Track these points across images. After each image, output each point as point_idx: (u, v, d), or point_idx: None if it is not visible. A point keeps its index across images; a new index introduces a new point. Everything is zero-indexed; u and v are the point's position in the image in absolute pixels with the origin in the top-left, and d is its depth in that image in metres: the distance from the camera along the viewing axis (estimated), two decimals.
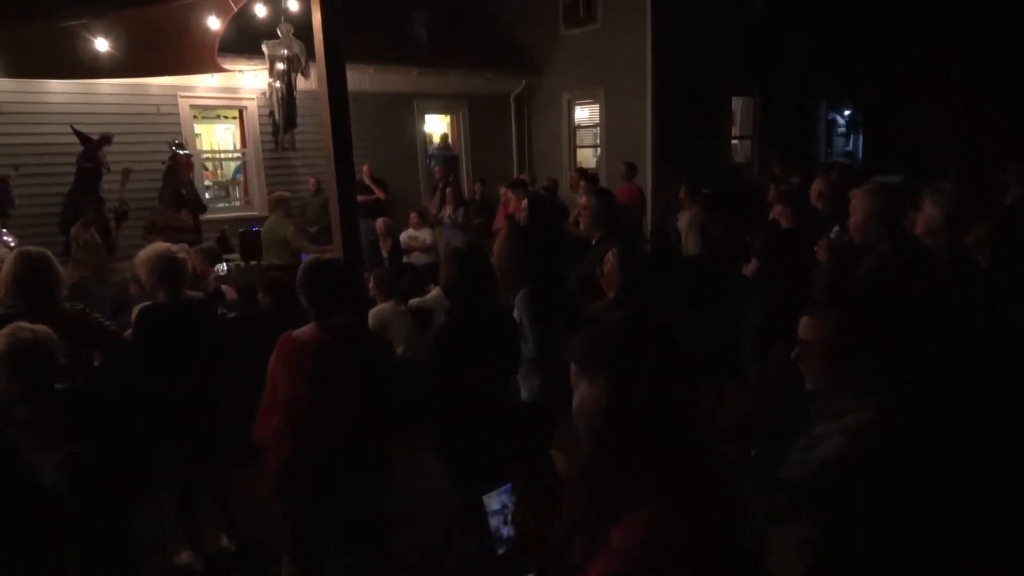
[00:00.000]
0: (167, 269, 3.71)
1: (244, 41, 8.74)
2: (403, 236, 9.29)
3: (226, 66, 9.09)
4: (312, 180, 10.33)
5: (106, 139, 8.18)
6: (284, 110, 9.21)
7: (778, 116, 13.59)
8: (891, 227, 3.51)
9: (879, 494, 1.71)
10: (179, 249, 3.97)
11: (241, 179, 11.43)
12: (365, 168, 10.31)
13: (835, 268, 3.85)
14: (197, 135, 10.78)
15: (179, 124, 9.76)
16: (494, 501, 1.91)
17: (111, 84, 8.83)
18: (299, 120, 9.44)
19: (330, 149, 5.08)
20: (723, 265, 7.77)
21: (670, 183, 10.14)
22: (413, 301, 5.71)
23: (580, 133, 13.74)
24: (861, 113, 17.30)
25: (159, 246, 3.84)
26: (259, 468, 3.07)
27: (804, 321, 1.96)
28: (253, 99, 10.49)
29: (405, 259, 8.93)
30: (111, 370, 3.96)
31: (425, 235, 9.31)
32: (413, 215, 9.53)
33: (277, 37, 8.51)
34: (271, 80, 9.02)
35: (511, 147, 13.74)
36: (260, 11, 7.53)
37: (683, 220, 8.68)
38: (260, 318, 5.00)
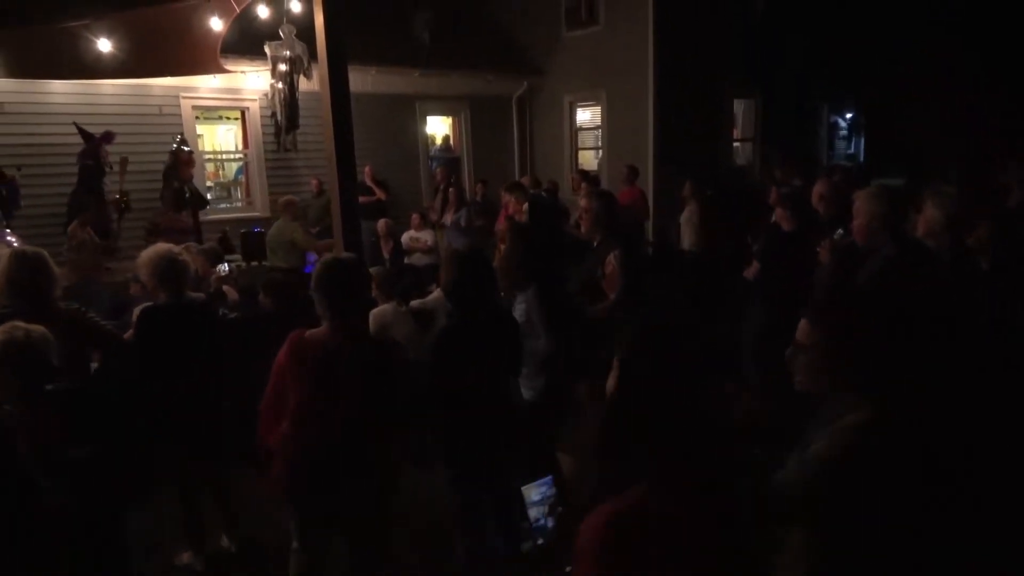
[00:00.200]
0: (168, 270, 3.71)
1: (246, 42, 8.76)
2: (404, 237, 9.31)
3: (228, 67, 9.11)
4: (314, 181, 10.34)
5: (108, 137, 8.19)
6: (286, 111, 9.23)
7: (780, 118, 13.60)
8: (894, 230, 3.52)
9: (877, 494, 1.71)
10: (181, 250, 3.98)
11: (243, 180, 11.44)
12: (367, 169, 10.33)
13: (837, 269, 3.86)
14: (199, 136, 10.78)
15: (181, 125, 9.76)
16: (534, 492, 1.93)
17: (113, 85, 8.85)
18: (301, 121, 9.45)
19: (332, 150, 5.10)
20: (723, 265, 7.77)
21: (672, 185, 10.16)
22: (414, 302, 5.71)
23: (582, 135, 13.74)
24: (863, 115, 17.30)
25: (161, 247, 3.83)
26: (260, 469, 3.06)
27: (801, 324, 1.96)
28: (255, 100, 10.50)
29: (406, 260, 8.94)
30: (109, 371, 3.96)
31: (426, 236, 9.32)
32: (415, 216, 9.54)
33: (279, 38, 8.52)
34: (273, 81, 9.04)
35: (513, 149, 13.75)
36: (262, 12, 7.55)
37: (684, 216, 8.74)
38: (261, 319, 5.01)
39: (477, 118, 13.17)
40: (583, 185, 8.80)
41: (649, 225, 10.89)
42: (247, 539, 4.14)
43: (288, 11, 7.73)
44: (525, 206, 6.48)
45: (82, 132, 8.04)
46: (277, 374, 2.95)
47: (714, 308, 4.58)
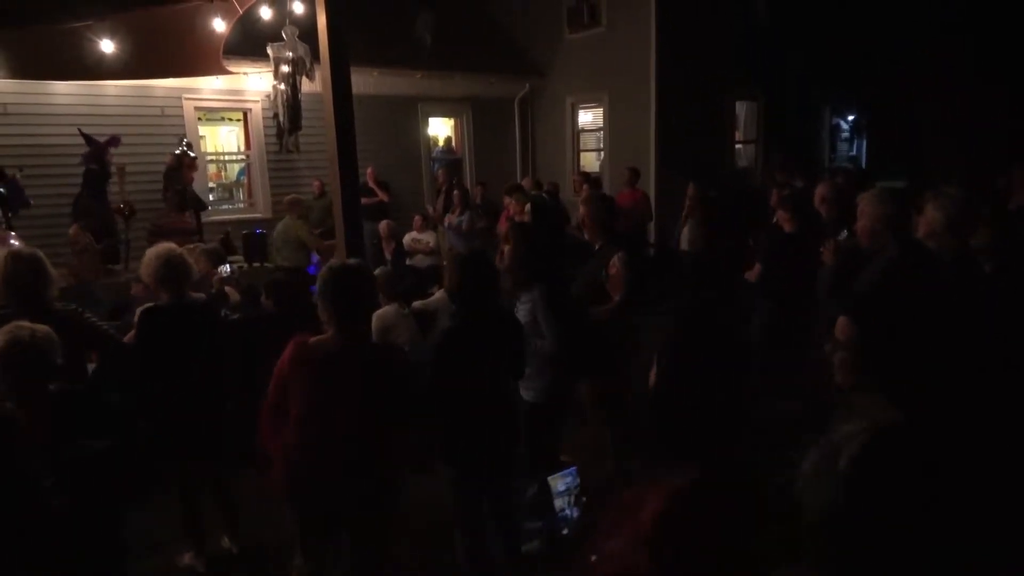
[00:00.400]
0: (170, 270, 3.71)
1: (249, 43, 8.78)
2: (406, 239, 9.31)
3: (231, 68, 9.13)
4: (316, 183, 10.36)
5: (113, 141, 8.21)
6: (288, 113, 9.25)
7: (782, 120, 13.59)
8: (898, 232, 3.53)
9: (909, 495, 1.68)
10: (183, 250, 3.97)
11: (245, 181, 11.46)
12: (369, 171, 10.34)
13: (840, 270, 3.87)
14: (201, 137, 10.81)
15: (183, 126, 9.79)
16: (559, 483, 1.94)
17: (116, 86, 8.87)
18: (303, 122, 9.47)
19: (334, 152, 5.11)
20: (723, 265, 7.80)
21: (674, 186, 10.17)
22: (416, 304, 5.72)
23: (584, 137, 13.75)
24: (865, 117, 17.29)
25: (163, 247, 3.83)
26: (260, 470, 3.05)
27: (840, 321, 1.96)
28: (257, 101, 10.52)
29: (408, 262, 8.95)
30: (107, 371, 3.97)
31: (428, 238, 9.33)
32: (417, 218, 9.55)
33: (282, 40, 8.54)
34: (276, 82, 9.06)
35: (515, 150, 13.76)
36: (265, 14, 7.57)
37: (689, 225, 8.78)
38: (263, 320, 5.01)
39: (479, 119, 13.19)
40: (584, 187, 8.81)
41: (652, 226, 10.90)
42: (248, 540, 4.14)
43: (290, 12, 7.74)
44: (526, 207, 6.49)
45: (86, 138, 8.06)
46: (278, 380, 2.91)
47: (716, 308, 4.60)
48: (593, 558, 1.70)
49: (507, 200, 7.41)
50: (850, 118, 17.90)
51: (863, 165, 16.82)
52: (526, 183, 10.23)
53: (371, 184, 10.36)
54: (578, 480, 2.02)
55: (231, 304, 5.47)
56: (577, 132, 13.61)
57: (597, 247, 4.55)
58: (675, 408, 1.66)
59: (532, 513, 3.48)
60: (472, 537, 3.42)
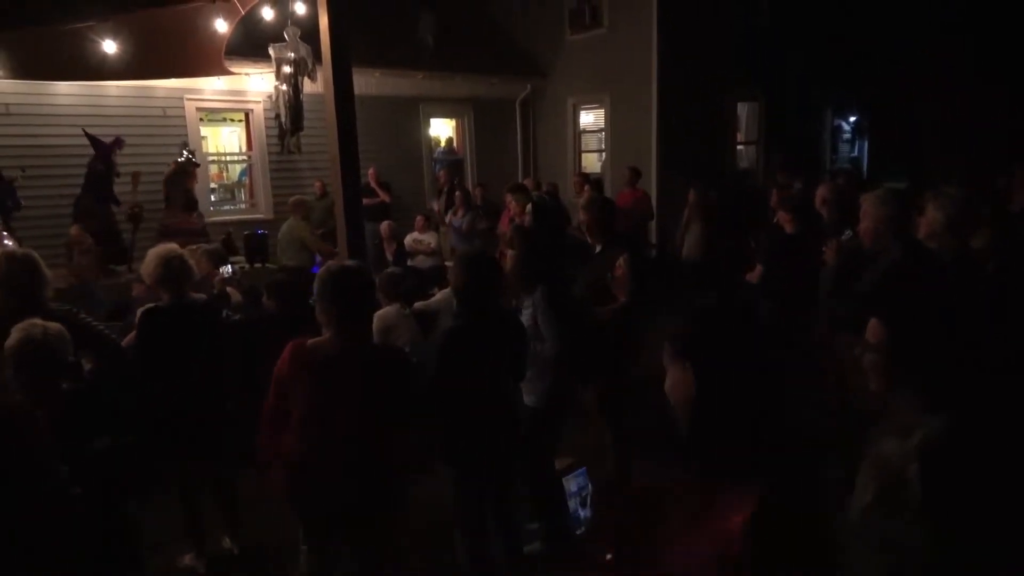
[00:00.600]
0: (171, 271, 3.71)
1: (251, 44, 8.79)
2: (408, 239, 9.31)
3: (233, 69, 9.13)
4: (318, 183, 10.37)
5: (119, 142, 8.22)
6: (290, 113, 9.26)
7: (783, 121, 13.59)
8: (900, 233, 3.53)
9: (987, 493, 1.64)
10: (184, 251, 3.97)
11: (247, 182, 11.47)
12: (370, 171, 10.34)
13: (842, 271, 3.87)
14: (203, 138, 10.82)
15: (185, 127, 9.80)
16: (572, 484, 1.92)
17: (118, 86, 8.89)
18: (305, 123, 9.47)
19: (336, 152, 5.12)
20: (723, 266, 7.79)
21: (675, 187, 10.17)
22: (417, 304, 5.72)
23: (585, 138, 13.76)
24: (866, 118, 17.28)
25: (164, 247, 3.83)
26: (262, 471, 3.05)
27: (872, 323, 1.90)
28: (259, 102, 10.53)
29: (410, 262, 8.95)
30: (104, 372, 3.96)
31: (430, 238, 9.33)
32: (419, 218, 9.56)
33: (284, 40, 8.55)
34: (277, 83, 9.07)
35: (516, 151, 13.77)
36: (267, 14, 7.56)
37: (691, 234, 8.79)
38: (264, 321, 5.01)
39: (480, 120, 13.20)
40: (585, 188, 8.82)
41: (653, 225, 10.90)
42: (249, 540, 4.14)
43: (292, 13, 7.75)
44: (527, 208, 6.50)
45: (91, 139, 8.07)
46: (276, 383, 2.90)
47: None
48: (608, 557, 1.68)
49: (508, 198, 7.41)
50: (851, 119, 17.89)
51: (865, 166, 16.82)
52: (528, 183, 10.24)
53: (373, 185, 10.37)
54: (588, 481, 2.01)
55: (232, 305, 5.48)
56: (578, 133, 13.61)
57: (599, 249, 4.55)
58: (727, 420, 1.57)
59: (464, 533, 3.45)
60: (473, 537, 3.42)
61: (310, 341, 2.88)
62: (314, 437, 2.84)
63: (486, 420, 3.27)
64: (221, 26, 7.36)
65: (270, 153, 10.74)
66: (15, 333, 2.66)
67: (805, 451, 1.67)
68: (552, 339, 3.75)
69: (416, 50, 11.56)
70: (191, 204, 8.16)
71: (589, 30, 12.60)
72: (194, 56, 8.15)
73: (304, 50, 8.65)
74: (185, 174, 8.53)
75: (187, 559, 3.98)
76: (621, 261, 4.31)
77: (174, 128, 9.58)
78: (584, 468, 1.87)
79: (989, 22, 12.68)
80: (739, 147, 13.82)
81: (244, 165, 11.49)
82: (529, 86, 13.44)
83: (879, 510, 1.66)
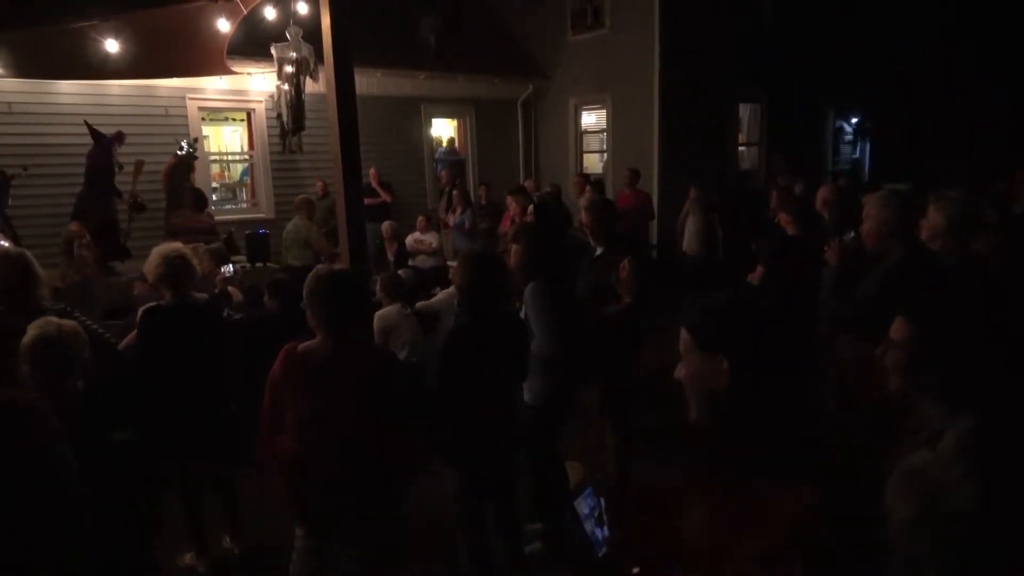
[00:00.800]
0: (172, 270, 3.70)
1: (253, 44, 8.80)
2: (409, 239, 9.32)
3: (235, 68, 9.15)
4: (319, 183, 10.37)
5: (120, 136, 8.21)
6: (292, 113, 9.25)
7: (785, 123, 13.59)
8: (903, 235, 3.52)
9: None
10: (187, 250, 3.96)
11: (248, 181, 11.48)
12: (372, 171, 10.35)
13: (844, 272, 3.87)
14: (205, 137, 10.83)
15: (187, 126, 9.81)
16: (584, 506, 1.88)
17: (120, 85, 8.90)
18: (307, 123, 9.47)
19: (337, 152, 5.11)
20: (723, 266, 7.80)
21: (677, 188, 10.17)
22: (418, 304, 5.73)
23: (587, 138, 13.75)
24: (868, 120, 17.29)
25: (167, 246, 3.82)
26: (262, 471, 3.06)
27: (897, 321, 1.88)
28: (261, 102, 10.54)
29: (411, 262, 8.95)
30: (101, 372, 3.96)
31: (431, 239, 9.33)
32: (420, 219, 9.56)
33: (286, 40, 8.54)
34: (279, 83, 9.06)
35: (518, 151, 13.77)
36: (269, 14, 7.56)
37: (690, 223, 8.79)
38: (266, 320, 5.02)
39: (482, 120, 13.20)
40: (586, 189, 8.82)
41: (654, 224, 10.90)
42: (250, 540, 4.14)
43: (295, 13, 7.74)
44: (530, 209, 6.52)
45: (92, 131, 8.06)
46: (272, 388, 2.91)
47: None
48: (636, 571, 1.65)
49: (509, 200, 7.43)
50: (853, 120, 17.90)
51: (867, 168, 16.83)
52: (528, 185, 10.24)
53: (374, 185, 10.37)
54: (597, 500, 1.97)
55: (234, 304, 5.48)
56: (580, 133, 13.61)
57: (600, 251, 4.55)
58: (767, 415, 1.52)
59: (465, 533, 3.46)
60: (474, 538, 3.42)
61: (301, 345, 2.88)
62: (312, 438, 2.84)
63: (486, 420, 3.27)
64: (223, 26, 7.37)
65: (272, 153, 10.74)
66: (31, 330, 2.67)
67: (850, 450, 1.63)
68: (541, 336, 3.72)
69: (418, 50, 11.56)
70: (201, 202, 8.13)
71: (591, 31, 12.60)
72: (196, 55, 8.16)
73: (306, 50, 8.64)
74: (186, 167, 8.52)
75: (187, 559, 3.98)
76: (625, 263, 4.31)
77: (176, 127, 9.58)
78: (589, 488, 1.84)
79: (990, 24, 12.68)
80: (741, 148, 13.82)
81: (246, 164, 11.50)
82: (531, 86, 13.43)
83: (927, 521, 1.62)
